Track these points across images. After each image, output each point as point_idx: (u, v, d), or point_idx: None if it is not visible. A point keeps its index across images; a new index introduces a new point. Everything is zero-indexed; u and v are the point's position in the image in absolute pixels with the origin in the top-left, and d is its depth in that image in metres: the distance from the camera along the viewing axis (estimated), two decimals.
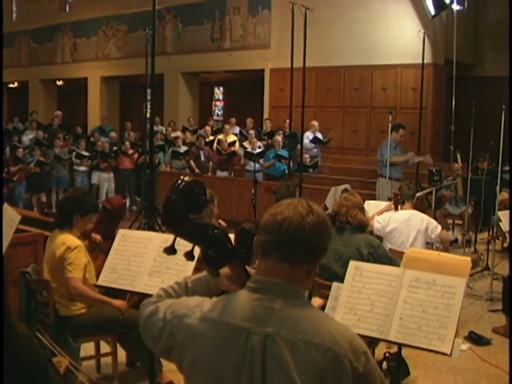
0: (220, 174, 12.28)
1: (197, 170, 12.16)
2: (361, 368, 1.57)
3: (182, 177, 1.79)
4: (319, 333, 1.58)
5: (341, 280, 3.35)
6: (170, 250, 1.77)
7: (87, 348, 4.70)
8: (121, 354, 4.62)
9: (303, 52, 8.59)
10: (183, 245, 1.76)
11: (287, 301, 1.63)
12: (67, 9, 20.23)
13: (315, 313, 1.66)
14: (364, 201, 5.19)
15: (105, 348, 4.73)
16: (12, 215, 4.87)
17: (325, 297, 3.55)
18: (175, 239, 1.77)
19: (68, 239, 4.31)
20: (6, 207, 5.07)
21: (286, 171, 10.20)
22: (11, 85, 21.83)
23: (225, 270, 1.82)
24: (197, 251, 1.78)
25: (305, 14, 8.54)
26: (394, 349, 4.19)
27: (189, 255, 1.75)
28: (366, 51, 12.87)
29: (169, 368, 4.31)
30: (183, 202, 1.74)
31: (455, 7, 11.46)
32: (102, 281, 3.91)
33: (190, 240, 1.76)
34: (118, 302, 4.28)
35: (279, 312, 1.61)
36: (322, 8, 12.09)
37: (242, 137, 13.32)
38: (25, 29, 20.36)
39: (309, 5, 8.66)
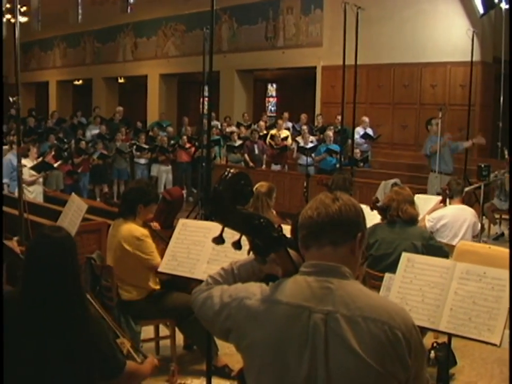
0: (273, 167, 12.36)
1: (251, 164, 12.23)
2: (412, 339, 1.67)
3: (228, 169, 1.83)
4: (374, 309, 1.67)
5: (394, 272, 3.40)
6: (219, 240, 1.80)
7: (147, 331, 4.81)
8: (179, 337, 4.72)
9: (354, 50, 8.62)
10: (231, 235, 1.78)
11: (340, 281, 1.71)
12: (128, 11, 20.64)
13: (366, 292, 1.75)
14: (413, 195, 5.18)
15: (164, 331, 4.87)
16: (79, 205, 4.97)
17: (376, 288, 3.61)
18: (223, 229, 1.79)
19: (134, 229, 4.35)
20: (74, 196, 5.28)
21: (337, 165, 10.21)
22: (76, 82, 22.21)
23: (271, 256, 1.86)
24: (244, 240, 1.79)
25: (357, 13, 8.60)
26: (442, 339, 4.25)
27: (237, 245, 1.77)
28: (416, 49, 12.79)
29: (224, 352, 4.46)
30: (229, 193, 1.76)
31: (504, 6, 11.29)
32: (163, 268, 3.94)
33: (237, 230, 1.78)
34: None
35: (336, 292, 1.69)
36: (374, 7, 11.93)
37: (295, 132, 13.33)
38: (89, 30, 20.83)
39: (361, 4, 8.72)
